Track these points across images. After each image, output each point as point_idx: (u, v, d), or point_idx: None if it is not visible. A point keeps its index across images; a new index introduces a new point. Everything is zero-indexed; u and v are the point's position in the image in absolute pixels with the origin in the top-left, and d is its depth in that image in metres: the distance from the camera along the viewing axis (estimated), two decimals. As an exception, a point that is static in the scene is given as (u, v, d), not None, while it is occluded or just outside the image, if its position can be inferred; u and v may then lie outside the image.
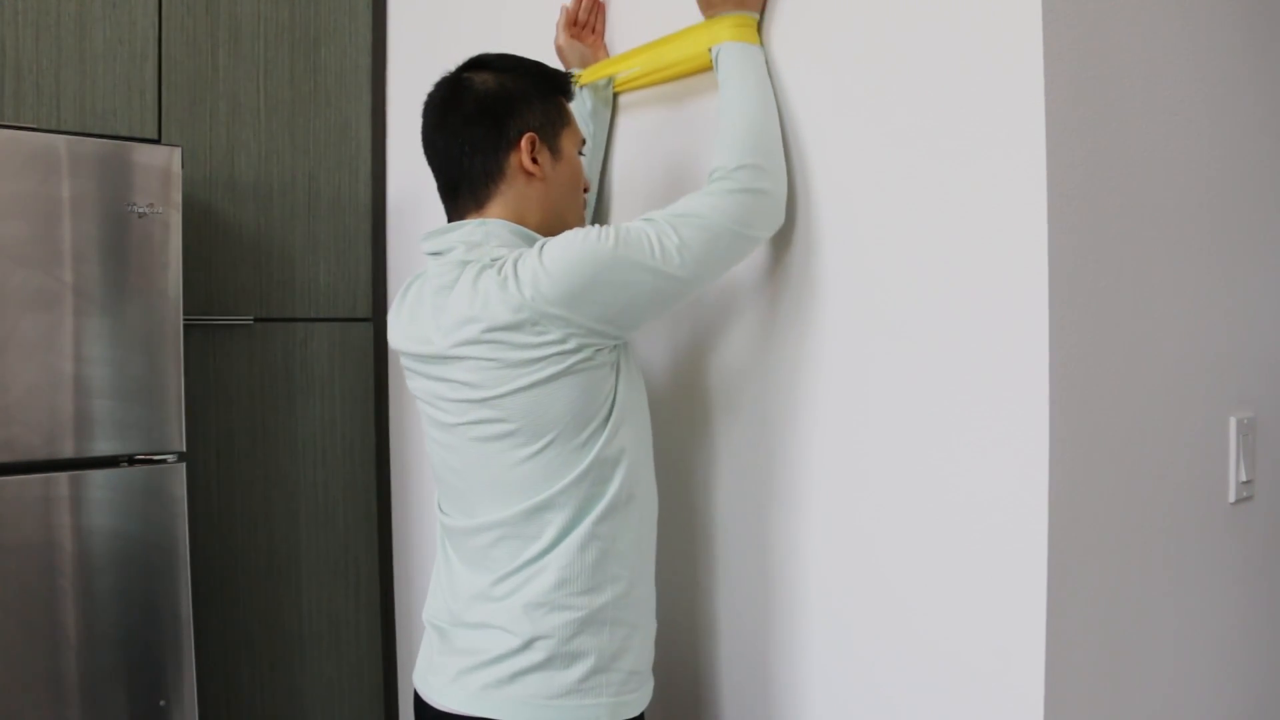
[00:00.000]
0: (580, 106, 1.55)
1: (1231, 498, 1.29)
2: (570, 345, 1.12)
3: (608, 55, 1.60)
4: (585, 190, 1.34)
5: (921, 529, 1.12)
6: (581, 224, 1.31)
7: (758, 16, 1.31)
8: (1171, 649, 1.21)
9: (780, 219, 1.24)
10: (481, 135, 1.21)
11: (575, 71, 1.55)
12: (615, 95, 1.59)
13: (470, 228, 1.20)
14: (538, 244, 1.14)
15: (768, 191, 1.21)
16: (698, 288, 1.21)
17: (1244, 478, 1.30)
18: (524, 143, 1.21)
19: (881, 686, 1.18)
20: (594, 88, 1.55)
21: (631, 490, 1.19)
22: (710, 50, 1.30)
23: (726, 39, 1.28)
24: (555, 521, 1.15)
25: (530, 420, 1.14)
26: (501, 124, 1.21)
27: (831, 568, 1.24)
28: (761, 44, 1.30)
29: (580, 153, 1.31)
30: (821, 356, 1.24)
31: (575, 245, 1.12)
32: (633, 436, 1.20)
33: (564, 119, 1.27)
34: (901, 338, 1.14)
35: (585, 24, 1.62)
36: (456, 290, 1.16)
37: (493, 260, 1.15)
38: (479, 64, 1.26)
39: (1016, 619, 1.03)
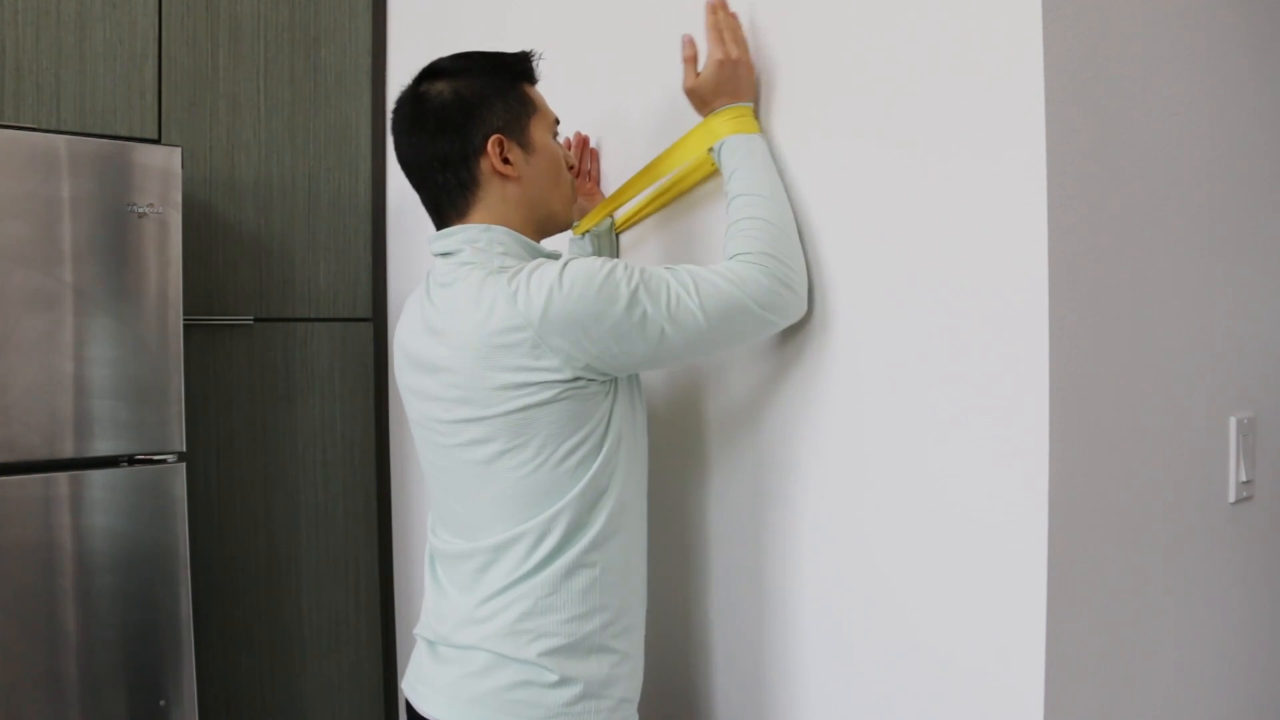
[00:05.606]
0: (581, 248, 1.54)
1: (1231, 498, 1.29)
2: (566, 374, 1.11)
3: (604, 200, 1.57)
4: (570, 169, 1.30)
5: (921, 530, 1.12)
6: (569, 212, 1.29)
7: (753, 105, 1.28)
8: (1171, 649, 1.21)
9: (801, 312, 1.20)
10: (448, 149, 1.18)
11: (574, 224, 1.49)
12: (617, 236, 1.56)
13: (475, 231, 1.19)
14: (560, 261, 1.11)
15: (792, 286, 1.18)
16: (697, 356, 1.19)
17: (1244, 478, 1.30)
18: (490, 147, 1.18)
19: (879, 689, 1.18)
20: (594, 233, 1.53)
21: (621, 522, 1.18)
22: (711, 149, 1.27)
23: (726, 133, 1.25)
24: (545, 548, 1.14)
25: (521, 442, 1.13)
26: (465, 133, 1.18)
27: (828, 569, 1.24)
28: (761, 130, 1.27)
29: (555, 134, 1.27)
30: (819, 356, 1.24)
31: (598, 275, 1.09)
32: (626, 464, 1.19)
33: (529, 108, 1.23)
34: (901, 337, 1.14)
35: (579, 171, 1.57)
36: (460, 292, 1.15)
37: (501, 269, 1.13)
38: (433, 73, 1.22)
39: (1016, 619, 1.03)
